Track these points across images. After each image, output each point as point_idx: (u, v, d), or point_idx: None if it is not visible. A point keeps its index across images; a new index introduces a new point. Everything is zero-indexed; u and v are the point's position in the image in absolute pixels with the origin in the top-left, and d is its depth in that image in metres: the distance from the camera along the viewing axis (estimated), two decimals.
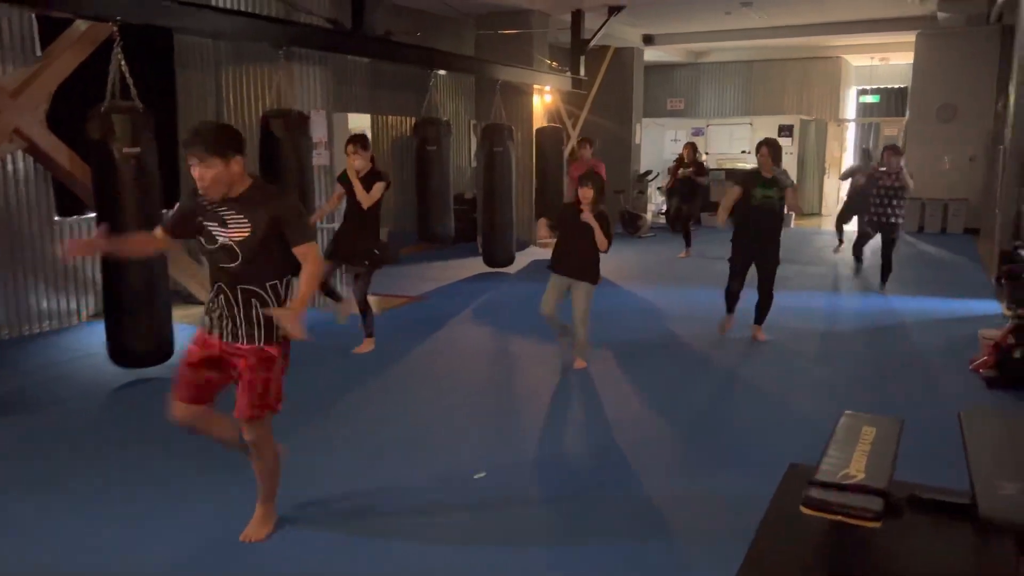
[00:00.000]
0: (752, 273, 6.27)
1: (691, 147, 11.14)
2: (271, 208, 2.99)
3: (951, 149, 13.30)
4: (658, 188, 15.72)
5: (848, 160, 18.47)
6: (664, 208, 15.20)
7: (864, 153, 10.68)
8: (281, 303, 3.08)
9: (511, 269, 9.85)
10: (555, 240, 5.65)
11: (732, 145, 15.69)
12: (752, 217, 6.11)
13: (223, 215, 2.99)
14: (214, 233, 3.01)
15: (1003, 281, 6.98)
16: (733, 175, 13.54)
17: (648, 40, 15.14)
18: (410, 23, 10.56)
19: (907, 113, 14.86)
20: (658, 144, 17.15)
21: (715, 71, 18.05)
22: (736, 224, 6.26)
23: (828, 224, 15.49)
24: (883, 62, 17.59)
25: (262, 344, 3.05)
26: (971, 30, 12.94)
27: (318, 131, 7.59)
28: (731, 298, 6.43)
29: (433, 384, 5.56)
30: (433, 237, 8.28)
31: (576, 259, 5.51)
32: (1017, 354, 4.97)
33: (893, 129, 18.14)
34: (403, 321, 7.42)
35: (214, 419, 3.25)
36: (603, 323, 6.69)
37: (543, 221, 5.73)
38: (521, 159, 11.60)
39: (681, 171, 10.87)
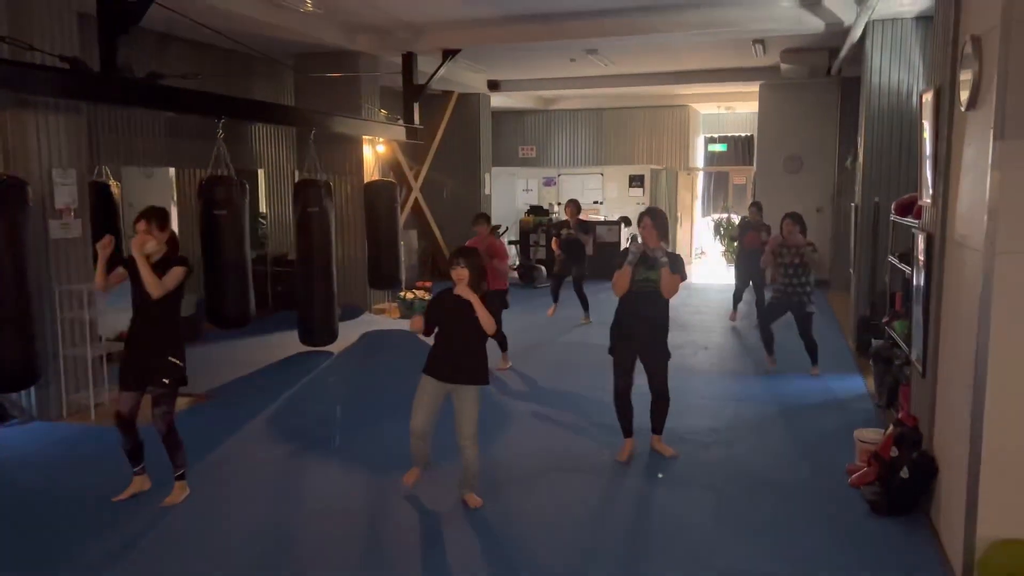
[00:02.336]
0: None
1: (574, 206, 9.88)
2: None
3: (799, 200, 12.98)
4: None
5: (699, 209, 18.36)
6: (517, 263, 14.34)
7: (755, 207, 9.97)
8: None
9: (334, 348, 8.48)
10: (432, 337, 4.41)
11: (585, 195, 14.99)
12: (631, 302, 4.95)
13: None
14: None
15: (871, 362, 6.33)
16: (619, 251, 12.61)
17: (494, 86, 14.35)
18: (216, 64, 9.14)
19: (754, 163, 14.71)
20: (510, 193, 16.37)
21: (566, 119, 17.51)
22: (617, 308, 5.08)
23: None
24: (729, 111, 17.64)
25: None
26: (813, 82, 12.89)
27: (62, 196, 6.02)
28: (622, 405, 5.11)
29: (205, 553, 4.08)
30: (222, 320, 6.77)
31: (459, 356, 4.27)
32: (904, 472, 4.13)
33: (741, 178, 18.19)
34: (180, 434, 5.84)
35: None
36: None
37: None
38: (350, 217, 10.32)
39: (564, 232, 9.75)
